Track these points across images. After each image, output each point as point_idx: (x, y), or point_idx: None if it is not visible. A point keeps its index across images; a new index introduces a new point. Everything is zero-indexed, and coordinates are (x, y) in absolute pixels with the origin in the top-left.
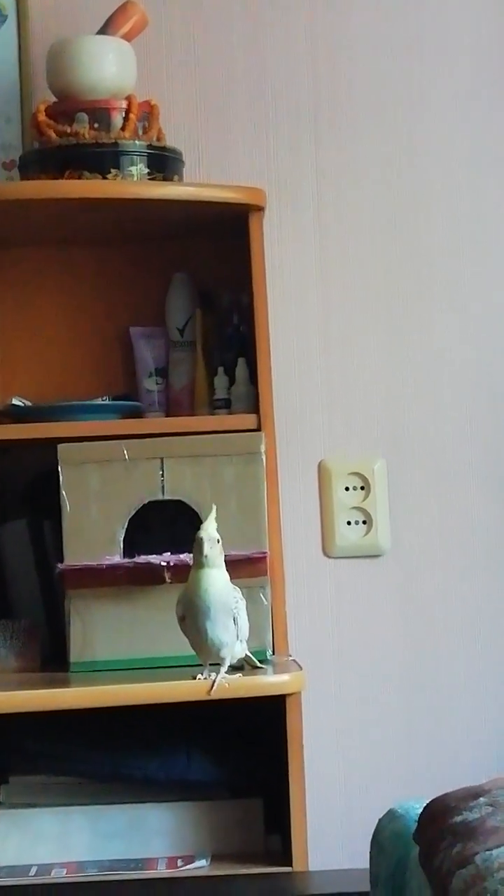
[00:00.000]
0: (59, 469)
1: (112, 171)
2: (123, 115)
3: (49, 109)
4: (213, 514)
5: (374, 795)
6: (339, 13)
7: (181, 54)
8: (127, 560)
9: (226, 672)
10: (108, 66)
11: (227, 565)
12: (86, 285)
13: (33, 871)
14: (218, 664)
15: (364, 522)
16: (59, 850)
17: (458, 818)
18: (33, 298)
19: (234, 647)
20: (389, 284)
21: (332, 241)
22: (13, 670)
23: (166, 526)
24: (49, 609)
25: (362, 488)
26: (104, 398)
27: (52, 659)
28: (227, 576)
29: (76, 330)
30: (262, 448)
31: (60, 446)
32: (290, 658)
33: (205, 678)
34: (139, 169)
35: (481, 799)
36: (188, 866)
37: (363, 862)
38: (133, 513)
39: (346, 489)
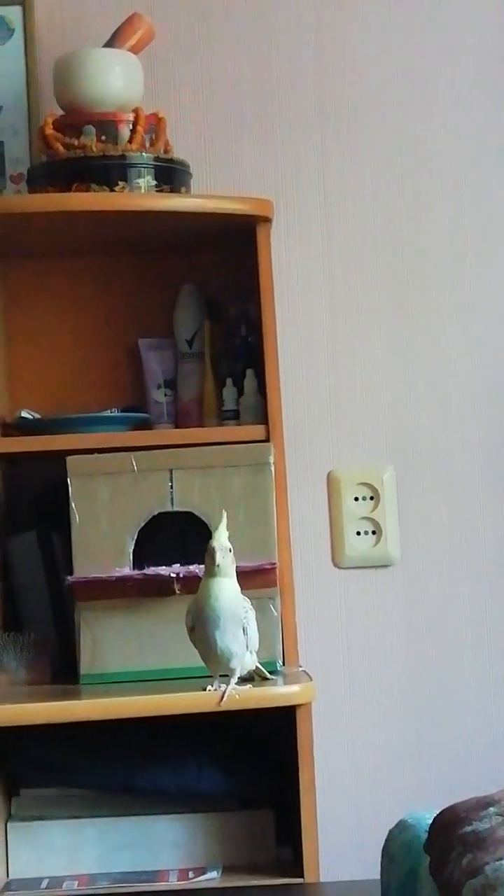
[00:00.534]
0: (69, 481)
1: (120, 183)
2: (131, 127)
3: (56, 122)
4: (223, 523)
5: (385, 806)
6: (344, 25)
7: (188, 66)
8: (136, 572)
9: (236, 683)
10: (115, 79)
11: (237, 576)
12: (94, 297)
13: (44, 883)
14: (227, 675)
15: (373, 532)
16: (70, 862)
17: (469, 828)
18: (42, 311)
19: (244, 657)
20: (397, 294)
21: (339, 251)
22: (23, 683)
23: (175, 537)
24: (59, 621)
25: (371, 498)
26: (113, 410)
27: (62, 671)
28: (237, 586)
29: (85, 342)
30: (271, 459)
31: (69, 458)
32: (301, 669)
33: (215, 689)
34: (147, 181)
35: (491, 809)
36: (199, 878)
37: (374, 873)
38: (142, 524)
39: (356, 499)
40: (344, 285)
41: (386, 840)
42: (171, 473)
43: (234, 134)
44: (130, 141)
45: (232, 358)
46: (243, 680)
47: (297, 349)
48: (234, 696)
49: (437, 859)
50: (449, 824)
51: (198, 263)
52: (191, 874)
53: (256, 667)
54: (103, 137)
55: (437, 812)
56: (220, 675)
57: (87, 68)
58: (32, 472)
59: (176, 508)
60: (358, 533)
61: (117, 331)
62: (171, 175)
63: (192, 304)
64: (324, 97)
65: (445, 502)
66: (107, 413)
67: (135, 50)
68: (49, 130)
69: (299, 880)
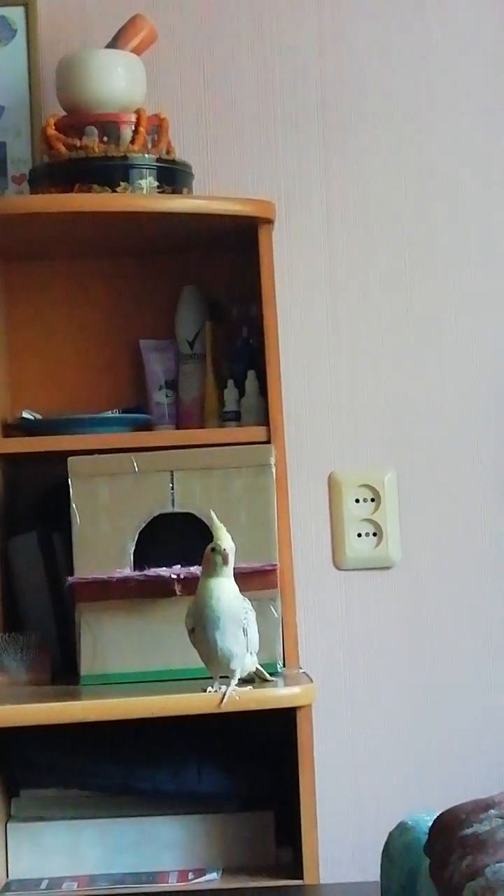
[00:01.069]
0: (70, 482)
1: (121, 184)
2: (133, 128)
3: (58, 123)
4: (220, 524)
5: (385, 808)
6: (346, 25)
7: (190, 67)
8: (137, 573)
9: (236, 685)
10: (118, 80)
11: (237, 578)
12: (95, 298)
13: (44, 884)
14: (228, 677)
15: (374, 534)
16: (69, 863)
17: (469, 830)
18: (43, 312)
19: (244, 658)
20: (399, 296)
21: (341, 252)
22: (24, 683)
23: (176, 538)
24: (59, 622)
25: (372, 500)
26: (114, 411)
27: (63, 672)
28: (236, 587)
29: (86, 343)
30: (272, 460)
31: (71, 459)
32: (301, 670)
33: (215, 691)
34: (149, 182)
35: (492, 811)
36: (199, 879)
37: (374, 874)
38: (143, 525)
39: (357, 501)
40: (345, 287)
41: (386, 842)
42: (172, 474)
43: (236, 135)
44: (132, 142)
45: (233, 359)
46: (244, 681)
47: (298, 351)
48: (235, 697)
49: (437, 861)
50: (449, 826)
51: (199, 265)
52: (190, 875)
53: (257, 668)
54: (105, 138)
55: (438, 814)
56: (221, 677)
57: (90, 69)
58: (33, 473)
59: (177, 509)
60: (359, 535)
61: (119, 332)
62: (173, 176)
63: (194, 305)
64: (326, 98)
65: (446, 504)
66: (108, 414)
67: (137, 51)
68: (51, 131)
69: (299, 882)
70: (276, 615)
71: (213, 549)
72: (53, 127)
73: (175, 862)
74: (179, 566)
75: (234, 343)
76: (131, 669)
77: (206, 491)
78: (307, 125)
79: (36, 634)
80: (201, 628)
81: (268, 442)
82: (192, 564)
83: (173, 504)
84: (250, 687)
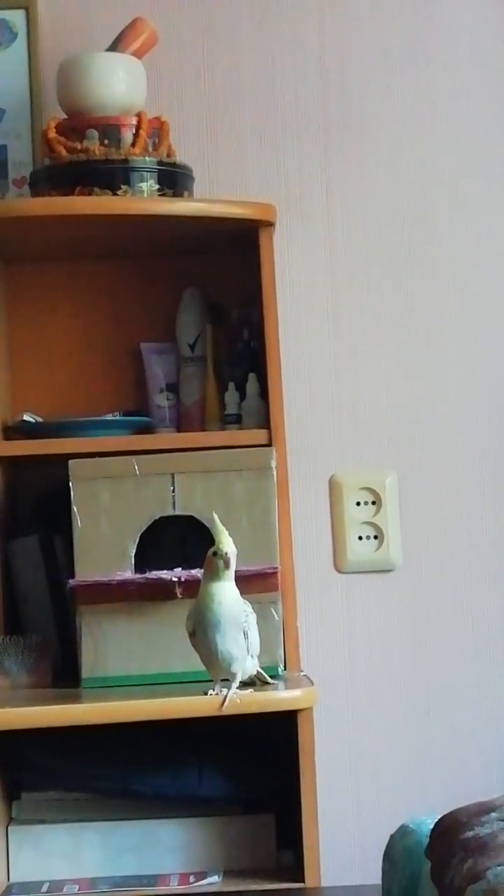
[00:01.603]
0: (71, 485)
1: (122, 187)
2: (133, 131)
3: (59, 126)
4: (223, 528)
5: (387, 811)
6: (348, 29)
7: (191, 70)
8: (138, 575)
9: (237, 688)
10: (119, 83)
11: (238, 581)
12: (96, 301)
13: (45, 887)
14: (229, 680)
15: (375, 537)
16: (71, 866)
17: (470, 833)
18: (44, 314)
19: (245, 661)
20: (400, 298)
21: (342, 255)
22: (25, 686)
23: (177, 541)
24: (60, 625)
25: (374, 503)
26: (115, 414)
27: (64, 674)
28: (237, 590)
29: (87, 346)
30: (273, 463)
31: (71, 462)
32: (302, 673)
33: (216, 693)
34: (149, 185)
35: (493, 814)
36: (200, 882)
37: (375, 877)
38: (144, 528)
39: (358, 504)
40: (347, 290)
41: (387, 845)
42: (173, 477)
43: (236, 138)
44: (133, 145)
45: (234, 362)
46: (245, 684)
47: (299, 353)
48: (236, 700)
49: (438, 864)
50: (450, 829)
51: (200, 267)
52: (192, 878)
53: (258, 671)
54: (106, 141)
55: (439, 817)
56: (222, 680)
57: (91, 72)
58: (34, 476)
59: (178, 512)
60: (360, 537)
61: (120, 334)
62: (173, 179)
63: (195, 308)
64: (327, 101)
65: (447, 507)
66: (109, 417)
67: (138, 54)
68: (52, 134)
69: (300, 885)
70: (277, 618)
71: (214, 553)
72: (54, 130)
73: (176, 865)
74: (180, 569)
75: (235, 346)
76: (132, 672)
77: (207, 494)
78: (308, 128)
79: (37, 637)
80: (202, 632)
81: (269, 445)
82: (193, 567)
83: (174, 507)
84: (251, 690)
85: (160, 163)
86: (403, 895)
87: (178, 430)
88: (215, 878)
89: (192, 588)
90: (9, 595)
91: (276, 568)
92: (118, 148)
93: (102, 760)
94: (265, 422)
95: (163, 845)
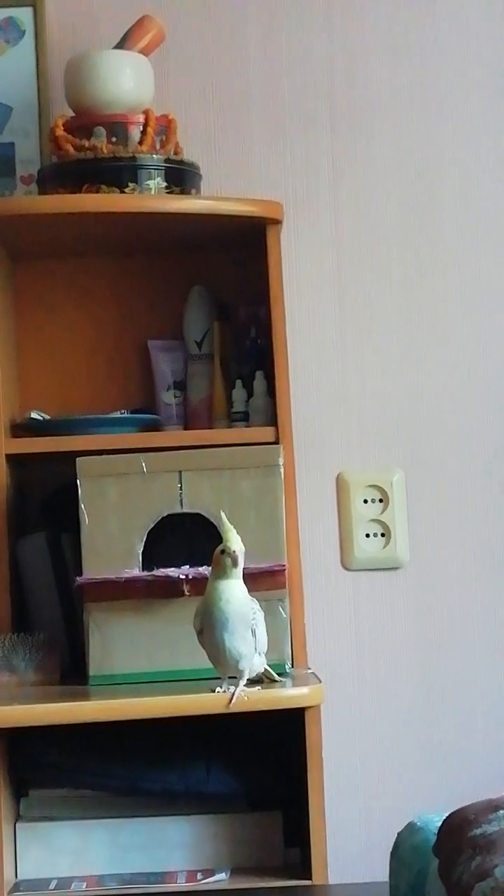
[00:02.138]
0: (78, 482)
1: (130, 185)
2: (141, 129)
3: (67, 124)
4: (230, 526)
5: (394, 808)
6: (355, 25)
7: (198, 68)
8: (145, 573)
9: (245, 685)
10: (126, 81)
11: (245, 578)
12: (104, 299)
13: (53, 884)
14: (236, 677)
15: (382, 535)
16: (78, 863)
17: (478, 831)
18: (51, 312)
19: (253, 659)
20: (407, 296)
21: (349, 252)
22: (32, 683)
23: (184, 539)
24: (68, 622)
25: (381, 500)
26: (122, 411)
27: (71, 672)
28: (244, 588)
29: (94, 343)
30: (281, 461)
31: (79, 460)
32: (310, 671)
33: (224, 691)
34: (157, 183)
35: (501, 811)
36: (208, 880)
37: (383, 875)
38: (151, 526)
39: (365, 501)
40: (354, 287)
41: (395, 842)
42: (181, 475)
43: (244, 135)
44: (141, 142)
45: (241, 360)
46: (252, 682)
47: (306, 351)
48: (243, 697)
49: (446, 862)
50: (458, 827)
51: (207, 265)
52: (199, 876)
53: (265, 669)
54: (114, 139)
55: (447, 815)
56: (229, 677)
57: (98, 70)
58: (42, 474)
59: (185, 510)
60: (367, 535)
61: (127, 332)
62: (181, 177)
63: (202, 305)
64: (334, 99)
65: (454, 504)
66: (116, 414)
67: (145, 52)
68: (59, 132)
69: (307, 882)
70: (284, 616)
71: (222, 552)
72: (62, 128)
73: (183, 862)
74: (188, 566)
75: (243, 343)
76: (140, 670)
77: (215, 491)
78: (315, 125)
79: (44, 635)
80: (210, 629)
81: (276, 442)
82: (201, 565)
83: (181, 504)
84: (259, 687)
85: (167, 160)
86: (411, 893)
87: (186, 428)
88: (222, 876)
89: (199, 586)
90: (16, 593)
91: (284, 565)
92: (126, 145)
93: (110, 758)
94: (272, 419)
95: (170, 842)
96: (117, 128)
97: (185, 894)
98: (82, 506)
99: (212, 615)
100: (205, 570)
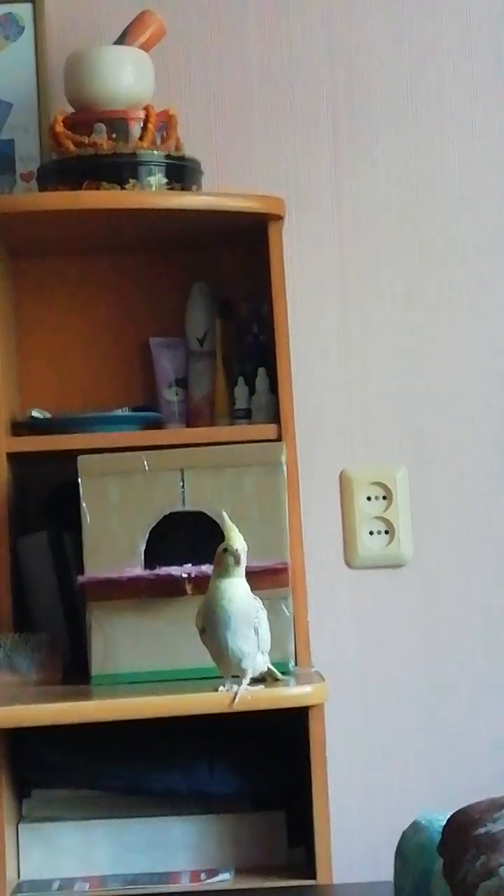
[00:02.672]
0: (80, 481)
1: (130, 181)
2: (141, 125)
3: (67, 120)
4: (232, 525)
5: (398, 807)
6: (356, 21)
7: (199, 64)
8: (148, 572)
9: (248, 684)
10: (126, 77)
11: (248, 576)
12: (105, 296)
13: (56, 885)
14: (239, 676)
15: (386, 532)
16: (81, 863)
17: (482, 830)
18: (52, 309)
19: (256, 658)
20: (410, 292)
21: (351, 249)
22: (34, 683)
23: (187, 537)
24: (70, 621)
25: (384, 498)
26: (124, 409)
27: (74, 671)
28: (247, 586)
29: (95, 341)
30: (283, 458)
31: (80, 458)
32: (313, 669)
33: (227, 690)
34: (157, 179)
35: None
36: (211, 880)
37: (387, 874)
38: (153, 524)
39: (368, 499)
40: (356, 283)
41: (399, 842)
42: (183, 473)
43: (245, 131)
44: (141, 138)
45: (243, 356)
46: (255, 681)
47: (309, 347)
48: (247, 696)
49: (450, 861)
50: (462, 826)
51: (209, 261)
52: (203, 876)
53: (268, 667)
54: (114, 135)
55: (451, 814)
56: (232, 676)
57: (98, 66)
58: (43, 472)
59: (187, 508)
60: (371, 533)
61: (128, 329)
62: (182, 173)
63: (204, 302)
64: (335, 94)
65: (458, 502)
66: (118, 412)
67: (145, 47)
68: (59, 128)
69: (312, 882)
70: (287, 614)
71: (224, 550)
72: (62, 124)
73: (187, 862)
74: (190, 565)
75: (245, 340)
76: (142, 669)
77: (217, 489)
78: (316, 121)
79: (46, 634)
80: (212, 628)
81: (279, 440)
82: (203, 563)
83: (184, 503)
84: (262, 686)
85: (168, 156)
86: (415, 892)
87: (188, 426)
88: (226, 876)
89: (201, 584)
90: (18, 592)
91: (287, 563)
92: (126, 142)
93: (112, 757)
94: (275, 417)
95: (173, 843)
96: (118, 124)
97: (189, 894)
98: (84, 504)
99: (214, 614)
100: (207, 568)
